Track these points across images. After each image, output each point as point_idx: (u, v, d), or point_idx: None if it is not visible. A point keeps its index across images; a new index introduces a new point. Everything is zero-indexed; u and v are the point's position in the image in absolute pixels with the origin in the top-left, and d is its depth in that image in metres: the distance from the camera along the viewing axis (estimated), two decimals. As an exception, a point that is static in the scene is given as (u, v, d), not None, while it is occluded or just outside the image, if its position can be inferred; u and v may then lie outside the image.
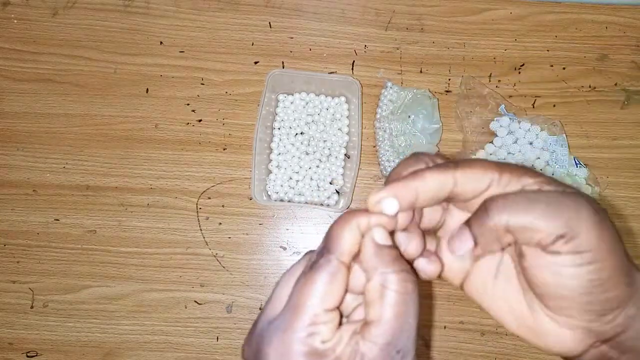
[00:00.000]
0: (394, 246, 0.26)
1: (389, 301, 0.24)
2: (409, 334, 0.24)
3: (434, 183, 0.25)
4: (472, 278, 0.28)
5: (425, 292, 0.61)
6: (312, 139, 0.63)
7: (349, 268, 0.26)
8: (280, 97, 0.64)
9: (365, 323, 0.25)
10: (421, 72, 0.65)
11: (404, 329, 0.24)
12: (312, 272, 0.25)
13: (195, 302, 0.61)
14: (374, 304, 0.25)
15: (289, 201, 0.62)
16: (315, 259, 0.26)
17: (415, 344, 0.25)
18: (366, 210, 0.27)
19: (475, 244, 0.26)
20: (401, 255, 0.26)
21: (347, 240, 0.25)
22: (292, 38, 0.65)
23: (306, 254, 0.27)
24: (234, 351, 0.60)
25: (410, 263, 0.27)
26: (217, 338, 0.60)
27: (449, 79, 0.65)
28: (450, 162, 0.26)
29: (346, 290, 0.26)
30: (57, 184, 0.62)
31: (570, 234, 0.23)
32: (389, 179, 0.27)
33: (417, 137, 0.61)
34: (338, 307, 0.26)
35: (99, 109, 0.64)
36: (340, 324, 0.26)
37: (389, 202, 0.26)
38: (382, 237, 0.26)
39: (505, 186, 0.25)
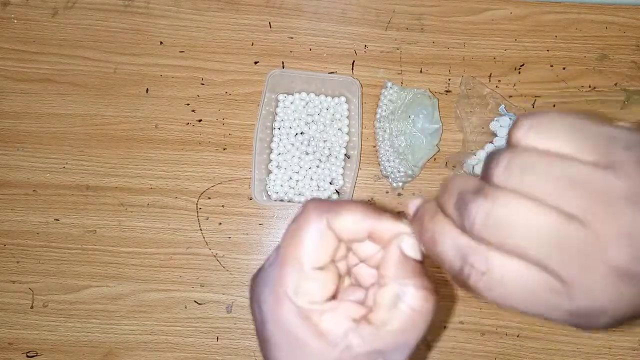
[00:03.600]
0: (421, 260, 0.25)
1: (398, 315, 0.23)
2: (404, 351, 0.24)
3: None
4: None
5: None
6: (312, 139, 0.63)
7: (340, 240, 0.25)
8: (280, 97, 0.64)
9: (365, 318, 0.24)
10: (421, 72, 0.65)
11: (401, 345, 0.23)
12: (302, 223, 0.24)
13: (195, 302, 0.61)
14: (381, 308, 0.24)
15: (289, 201, 0.62)
16: (307, 209, 0.25)
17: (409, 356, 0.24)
18: (398, 215, 0.25)
19: None
20: (424, 270, 0.25)
21: (351, 225, 0.24)
22: (292, 38, 0.65)
23: (312, 200, 0.26)
24: (234, 351, 0.60)
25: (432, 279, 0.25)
26: (217, 338, 0.60)
27: (449, 79, 0.65)
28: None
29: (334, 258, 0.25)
30: (57, 184, 0.62)
31: None
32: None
33: (417, 137, 0.61)
34: (333, 273, 0.25)
35: (99, 109, 0.64)
36: (334, 296, 0.25)
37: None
38: (412, 249, 0.24)
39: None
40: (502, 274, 0.19)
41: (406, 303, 0.23)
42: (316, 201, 0.25)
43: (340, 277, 0.26)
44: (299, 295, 0.24)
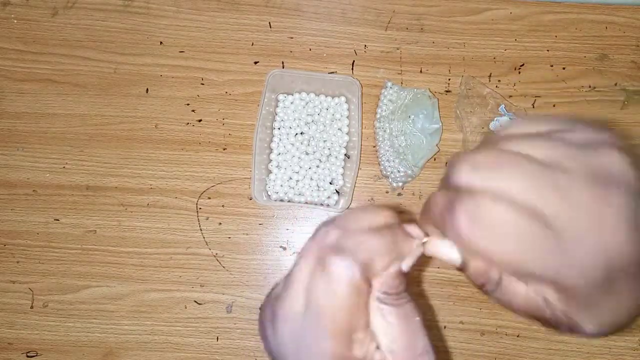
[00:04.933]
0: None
1: (392, 331, 0.25)
2: (421, 353, 0.25)
3: None
4: None
5: (425, 292, 0.61)
6: (312, 139, 0.63)
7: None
8: (280, 97, 0.64)
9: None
10: (421, 72, 0.65)
11: (413, 349, 0.25)
12: (334, 279, 0.23)
13: (195, 302, 0.61)
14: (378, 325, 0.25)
15: (289, 201, 0.62)
16: (334, 263, 0.23)
17: (430, 342, 0.26)
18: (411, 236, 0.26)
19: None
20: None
21: (386, 262, 0.25)
22: (292, 38, 0.65)
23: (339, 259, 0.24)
24: (234, 351, 0.60)
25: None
26: (217, 338, 0.60)
27: (449, 79, 0.65)
28: None
29: None
30: (57, 184, 0.62)
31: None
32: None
33: (417, 137, 0.61)
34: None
35: (99, 109, 0.64)
36: None
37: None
38: (407, 266, 0.26)
39: None
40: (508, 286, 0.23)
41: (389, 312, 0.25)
42: (338, 252, 0.24)
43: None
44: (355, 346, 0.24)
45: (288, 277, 0.25)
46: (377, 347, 0.25)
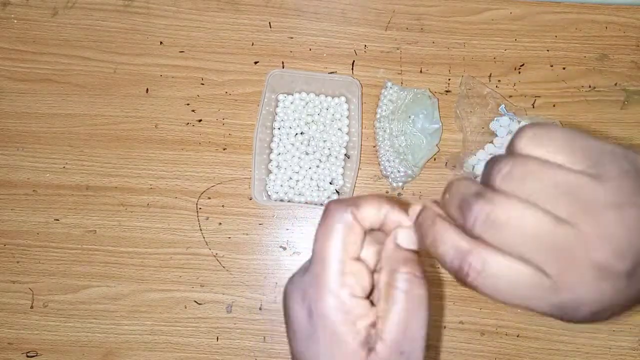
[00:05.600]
0: (414, 250, 0.27)
1: (394, 301, 0.25)
2: (414, 338, 0.25)
3: None
4: None
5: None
6: (312, 139, 0.63)
7: (364, 230, 0.27)
8: (280, 97, 0.64)
9: (378, 315, 0.26)
10: (421, 72, 0.65)
11: (409, 332, 0.25)
12: (331, 220, 0.26)
13: (195, 302, 0.61)
14: (380, 300, 0.26)
15: (289, 201, 0.62)
16: (330, 207, 0.27)
17: (423, 352, 0.25)
18: (403, 210, 0.28)
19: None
20: (417, 260, 0.27)
21: (371, 214, 0.27)
22: (292, 38, 0.65)
23: (332, 200, 0.28)
24: (234, 351, 0.60)
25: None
26: (217, 338, 0.60)
27: (449, 79, 0.65)
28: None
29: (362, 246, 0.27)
30: (57, 184, 0.62)
31: None
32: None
33: (417, 137, 0.61)
34: (365, 268, 0.27)
35: (99, 109, 0.64)
36: (370, 294, 0.27)
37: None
38: (405, 239, 0.27)
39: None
40: (496, 272, 0.21)
41: (398, 289, 0.25)
42: (336, 200, 0.27)
43: (372, 273, 0.28)
44: (341, 288, 0.25)
45: None
46: (374, 325, 0.26)
